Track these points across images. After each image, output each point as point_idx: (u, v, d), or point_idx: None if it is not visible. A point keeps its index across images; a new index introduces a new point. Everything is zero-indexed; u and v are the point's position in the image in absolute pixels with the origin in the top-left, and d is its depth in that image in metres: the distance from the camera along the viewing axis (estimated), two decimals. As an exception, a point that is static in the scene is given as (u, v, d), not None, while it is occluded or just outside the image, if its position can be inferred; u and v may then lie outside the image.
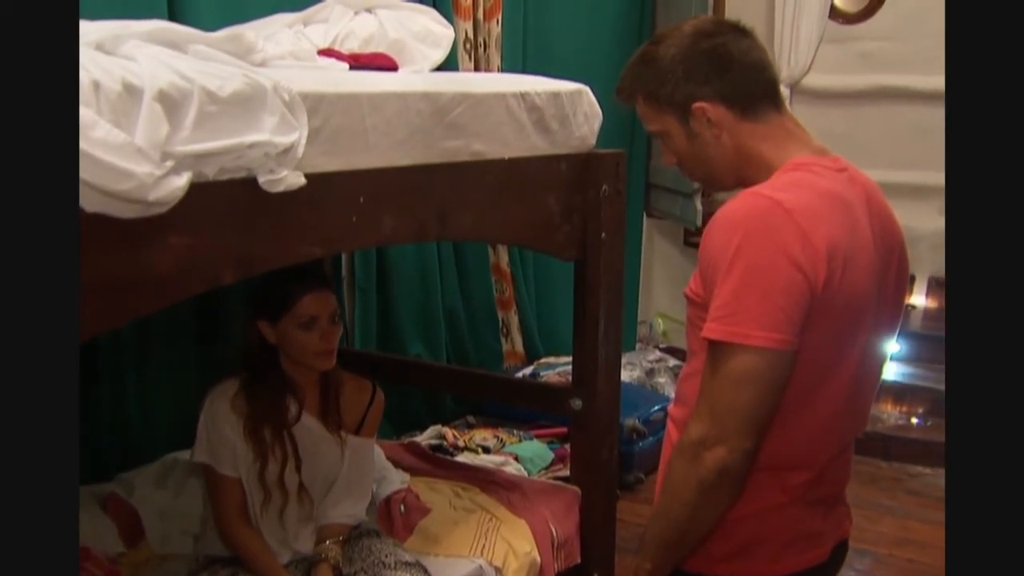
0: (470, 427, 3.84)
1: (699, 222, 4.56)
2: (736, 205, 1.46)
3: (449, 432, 3.65)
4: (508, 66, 3.97)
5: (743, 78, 1.56)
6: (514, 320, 4.38)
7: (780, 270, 1.39)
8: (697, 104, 1.56)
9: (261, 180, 1.68)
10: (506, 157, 2.31)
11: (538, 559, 2.62)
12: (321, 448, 2.37)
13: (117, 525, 2.57)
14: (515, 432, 3.70)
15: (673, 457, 1.52)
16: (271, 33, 2.35)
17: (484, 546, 2.56)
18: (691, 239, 5.16)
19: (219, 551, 2.30)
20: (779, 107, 1.60)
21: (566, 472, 3.21)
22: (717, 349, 1.44)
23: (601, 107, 2.58)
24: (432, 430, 3.69)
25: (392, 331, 3.82)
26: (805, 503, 1.58)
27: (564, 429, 3.64)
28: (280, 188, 1.69)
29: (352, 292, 3.66)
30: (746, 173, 1.58)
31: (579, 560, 2.79)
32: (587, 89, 2.52)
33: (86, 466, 2.85)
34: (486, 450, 3.53)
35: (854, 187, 1.55)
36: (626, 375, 4.33)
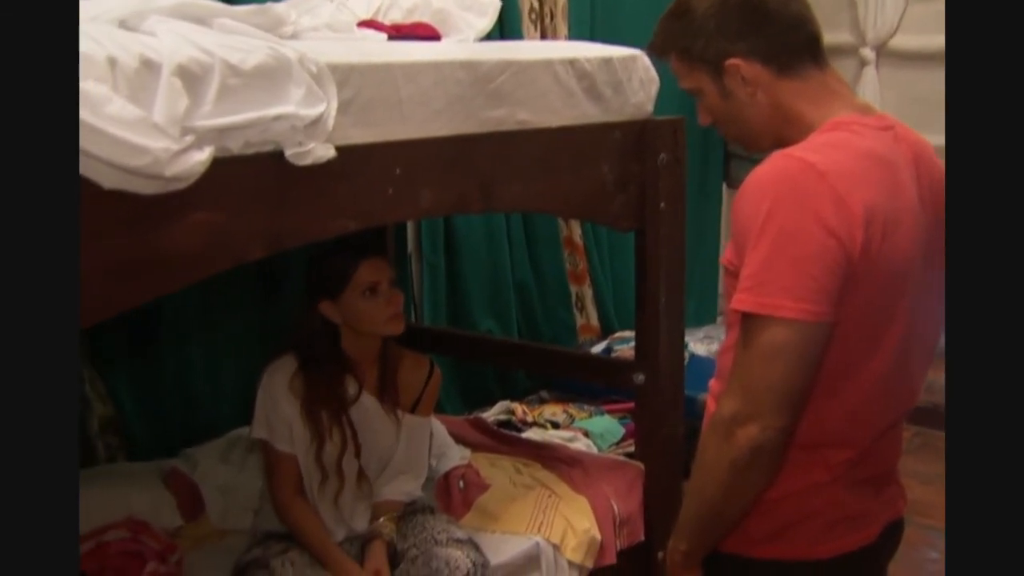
0: (542, 402, 3.80)
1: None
2: (767, 168, 1.40)
3: (518, 407, 3.62)
4: (575, 35, 3.90)
5: (781, 33, 1.48)
6: (588, 294, 4.33)
7: (812, 237, 1.32)
8: (731, 61, 1.49)
9: (288, 153, 1.67)
10: (554, 126, 2.26)
11: (598, 536, 2.58)
12: (377, 427, 2.38)
13: (177, 499, 2.62)
14: (585, 407, 3.66)
15: (706, 433, 1.47)
16: (312, 6, 2.34)
17: (542, 523, 2.54)
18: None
19: (275, 526, 2.33)
20: (820, 63, 1.51)
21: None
22: (748, 321, 1.38)
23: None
24: (500, 405, 3.67)
25: (461, 306, 3.80)
26: (849, 482, 1.51)
27: (631, 404, 3.57)
28: (308, 161, 1.68)
29: (420, 266, 3.66)
30: (784, 133, 1.50)
31: (642, 538, 2.74)
32: (642, 54, 2.45)
33: (151, 441, 2.92)
34: (555, 425, 3.49)
35: (899, 146, 1.46)
36: (704, 348, 4.25)
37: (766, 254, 1.34)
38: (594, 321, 4.36)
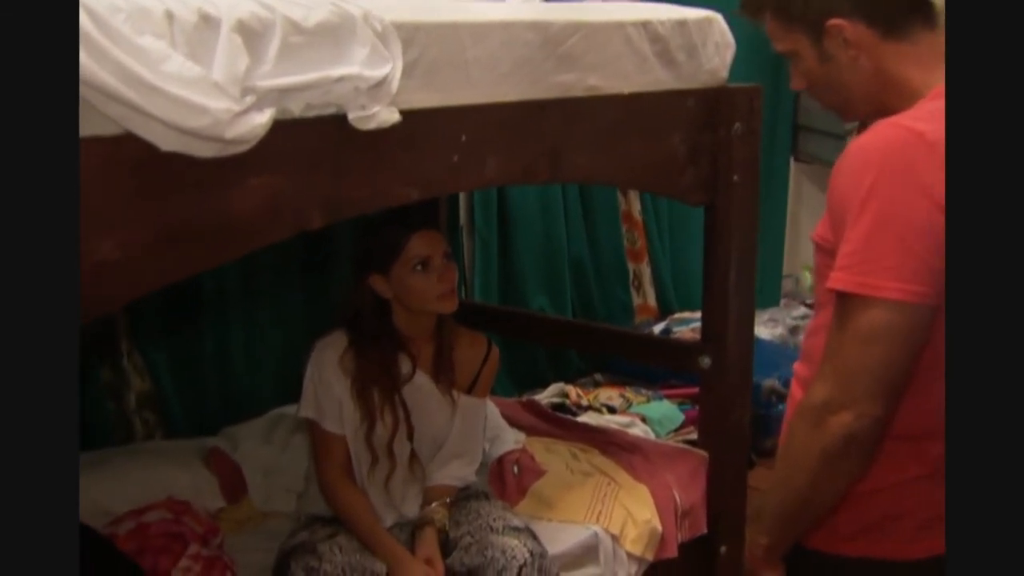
0: (596, 385, 3.79)
1: (855, 167, 4.36)
2: (870, 137, 1.37)
3: (573, 390, 3.61)
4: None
5: None
6: (646, 272, 4.30)
7: (919, 212, 1.30)
8: (833, 21, 1.45)
9: (351, 117, 1.65)
10: (625, 92, 2.24)
11: (659, 528, 2.57)
12: (431, 408, 2.38)
13: (219, 480, 2.64)
14: (643, 391, 3.64)
15: (794, 421, 1.45)
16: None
17: (600, 512, 2.53)
18: (844, 186, 4.95)
19: (321, 510, 2.33)
20: (932, 24, 1.47)
21: (696, 436, 3.09)
22: (845, 302, 1.36)
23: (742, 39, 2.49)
24: (554, 388, 3.66)
25: (514, 282, 3.80)
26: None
27: (695, 389, 3.50)
28: (372, 125, 1.66)
29: (471, 240, 3.66)
30: (887, 101, 1.47)
31: (705, 531, 2.73)
32: (718, 17, 2.43)
33: (189, 418, 2.94)
34: (611, 410, 3.48)
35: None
36: (767, 332, 4.23)
37: (868, 230, 1.32)
38: (651, 301, 4.33)
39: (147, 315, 2.86)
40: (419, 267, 2.25)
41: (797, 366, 1.61)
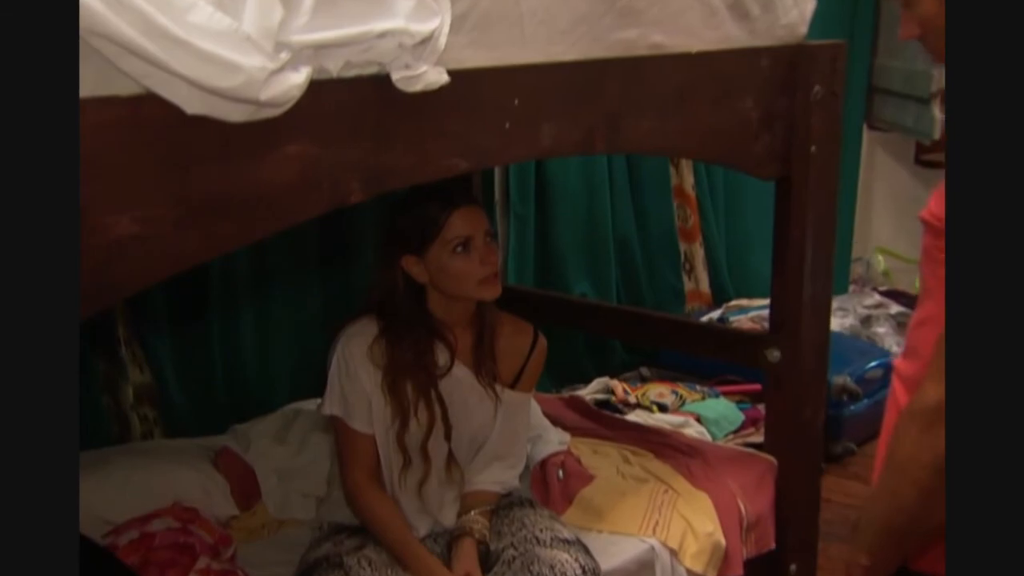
0: (643, 380, 3.77)
1: (937, 134, 4.34)
2: None
3: (619, 386, 3.60)
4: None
5: None
6: (699, 254, 4.29)
7: None
8: None
9: (395, 77, 1.64)
10: (693, 51, 2.22)
11: (722, 542, 2.56)
12: (471, 403, 2.36)
13: (230, 484, 2.63)
14: (698, 388, 3.63)
15: (902, 425, 1.43)
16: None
17: (657, 523, 2.52)
18: (925, 157, 4.92)
19: (345, 518, 2.33)
20: None
21: (759, 438, 3.14)
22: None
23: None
24: (598, 383, 3.65)
25: (553, 264, 3.78)
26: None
27: (757, 386, 3.57)
28: (418, 86, 1.65)
29: (506, 218, 3.65)
30: None
31: (773, 546, 2.72)
32: (796, -37, 2.40)
33: (193, 415, 2.94)
34: (662, 408, 3.47)
35: None
36: (835, 323, 4.20)
37: None
38: (704, 286, 4.34)
39: (147, 299, 2.85)
40: (459, 248, 2.22)
41: (899, 363, 1.59)
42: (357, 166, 1.65)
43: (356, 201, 1.65)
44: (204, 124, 1.42)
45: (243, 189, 1.52)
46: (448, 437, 2.32)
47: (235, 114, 1.43)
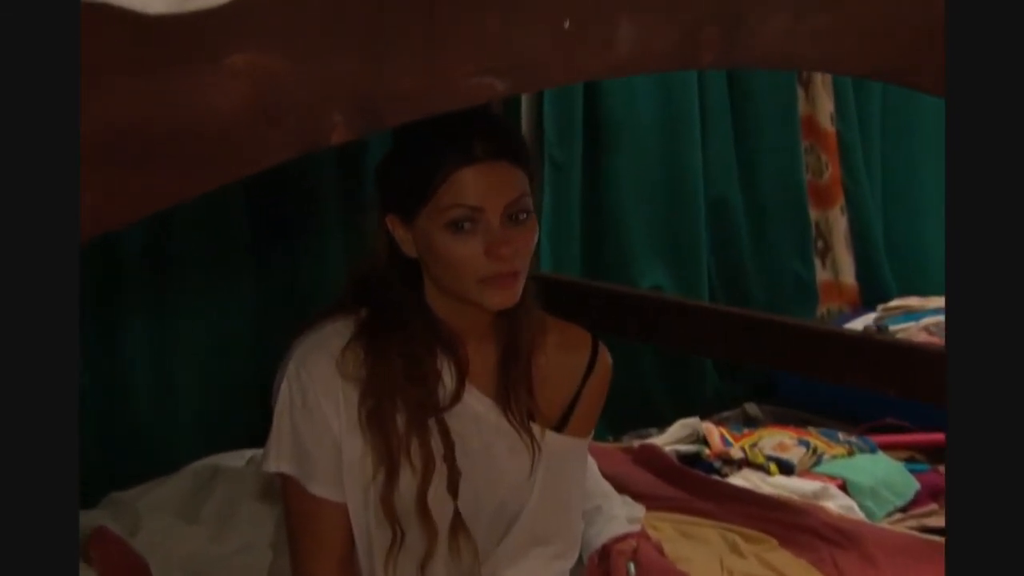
0: (752, 424, 3.25)
1: None
2: None
3: (714, 431, 3.04)
4: None
5: None
6: (840, 226, 3.68)
7: None
8: None
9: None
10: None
11: None
12: (496, 452, 1.92)
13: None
14: (841, 437, 3.07)
15: None
16: None
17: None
18: None
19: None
20: None
21: (942, 520, 2.70)
22: None
23: None
24: (682, 426, 3.07)
25: (610, 243, 3.23)
26: None
27: (939, 435, 2.99)
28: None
29: (537, 170, 3.11)
30: None
31: None
32: None
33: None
34: (785, 468, 2.92)
35: None
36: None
37: None
38: (849, 276, 3.76)
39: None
40: (459, 224, 1.78)
41: None
42: (340, 88, 1.35)
43: (339, 141, 1.35)
44: (113, 20, 1.11)
45: (170, 120, 1.20)
46: (454, 491, 1.87)
47: (153, 3, 1.17)
